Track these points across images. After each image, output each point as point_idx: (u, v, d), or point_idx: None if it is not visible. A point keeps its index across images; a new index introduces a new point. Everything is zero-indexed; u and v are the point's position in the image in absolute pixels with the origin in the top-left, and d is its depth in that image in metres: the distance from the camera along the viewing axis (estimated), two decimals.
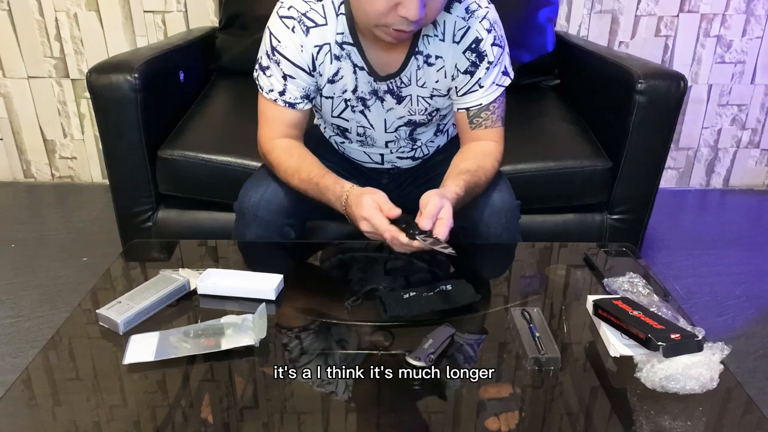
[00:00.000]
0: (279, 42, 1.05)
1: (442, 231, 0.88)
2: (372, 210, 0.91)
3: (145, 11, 2.23)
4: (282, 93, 1.09)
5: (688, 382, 0.73)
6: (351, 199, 0.97)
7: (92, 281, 1.00)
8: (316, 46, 1.06)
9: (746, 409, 0.74)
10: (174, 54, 1.68)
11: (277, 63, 1.07)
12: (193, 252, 1.11)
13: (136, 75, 1.40)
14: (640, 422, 0.71)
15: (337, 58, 1.07)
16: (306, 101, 1.11)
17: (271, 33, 1.06)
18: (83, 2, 2.22)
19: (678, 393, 0.74)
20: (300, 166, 1.07)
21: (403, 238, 0.88)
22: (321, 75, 1.09)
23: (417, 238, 0.87)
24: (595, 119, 1.67)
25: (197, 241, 1.16)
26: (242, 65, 1.97)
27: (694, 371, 0.74)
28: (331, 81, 1.10)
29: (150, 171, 1.49)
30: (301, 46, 1.05)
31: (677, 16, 2.28)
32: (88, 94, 1.46)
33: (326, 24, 1.05)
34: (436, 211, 0.89)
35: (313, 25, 1.05)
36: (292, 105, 1.10)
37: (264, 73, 1.09)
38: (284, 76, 1.07)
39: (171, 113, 1.64)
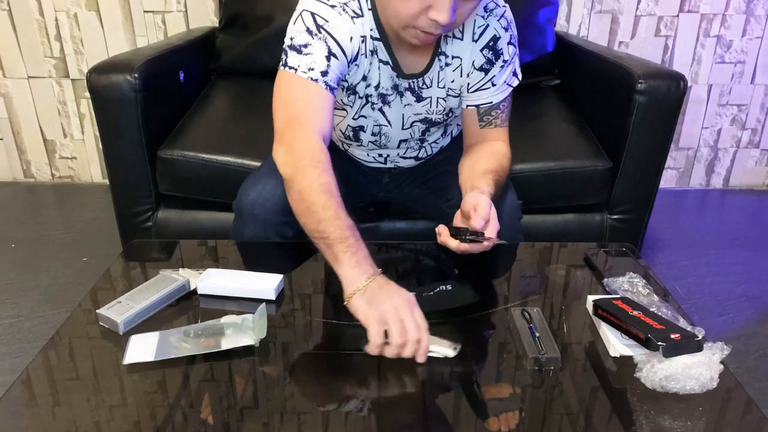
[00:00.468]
0: (327, 21, 0.97)
1: (492, 231, 0.92)
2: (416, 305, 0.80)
3: (145, 11, 2.24)
4: (325, 73, 0.97)
5: (688, 382, 0.73)
6: (390, 281, 0.83)
7: (92, 281, 1.00)
8: (361, 37, 1.02)
9: (746, 409, 0.74)
10: (174, 54, 1.68)
11: (324, 40, 0.97)
12: (193, 252, 1.11)
13: (136, 75, 1.40)
14: (640, 422, 0.71)
15: (372, 52, 1.05)
16: (336, 91, 1.02)
17: (313, 14, 0.98)
18: (83, 2, 2.22)
19: (678, 393, 0.74)
20: (342, 200, 0.89)
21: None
22: (358, 67, 1.05)
23: (468, 238, 0.91)
24: (595, 119, 1.67)
25: (197, 241, 1.16)
26: (242, 65, 1.98)
27: (694, 371, 0.74)
28: (364, 78, 1.07)
29: (150, 171, 1.49)
30: (351, 33, 1.00)
31: (677, 16, 2.28)
32: (88, 94, 1.46)
33: (363, 16, 1.01)
34: (488, 211, 0.92)
35: (355, 15, 1.01)
36: (332, 89, 0.99)
37: (300, 52, 0.97)
38: (329, 55, 0.98)
39: (171, 113, 1.64)
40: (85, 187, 2.49)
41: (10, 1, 2.21)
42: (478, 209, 0.92)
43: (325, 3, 0.99)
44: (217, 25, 2.08)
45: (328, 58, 0.98)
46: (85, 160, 2.48)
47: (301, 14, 0.99)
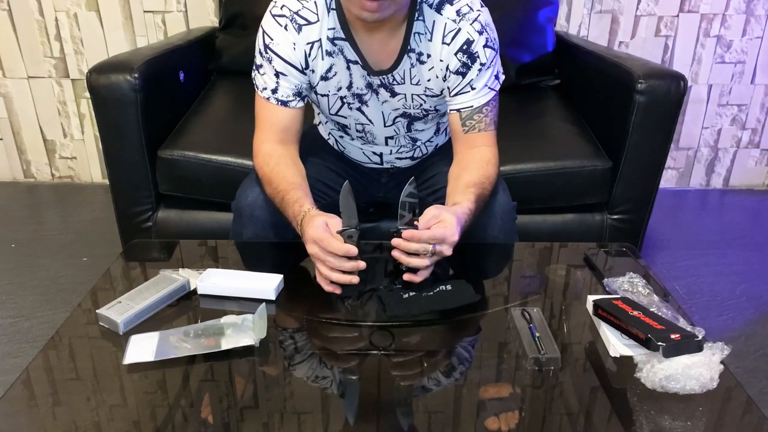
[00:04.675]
0: (272, 39, 1.07)
1: (439, 232, 0.88)
2: (322, 232, 0.90)
3: (145, 11, 2.23)
4: (275, 91, 1.10)
5: (688, 382, 0.73)
6: (306, 220, 0.96)
7: (92, 281, 1.00)
8: (308, 43, 1.07)
9: (746, 409, 0.74)
10: (174, 54, 1.68)
11: (270, 61, 1.08)
12: (193, 252, 1.11)
13: (136, 75, 1.40)
14: (640, 422, 0.71)
15: (329, 54, 1.08)
16: (298, 99, 1.12)
17: (264, 32, 1.07)
18: (83, 2, 2.22)
19: (678, 393, 0.74)
20: (272, 176, 1.07)
21: (350, 248, 0.89)
22: (314, 72, 1.10)
23: (400, 230, 0.88)
24: (595, 119, 1.67)
25: (197, 241, 1.16)
26: (242, 65, 1.96)
27: (694, 371, 0.74)
28: (325, 78, 1.11)
29: (150, 171, 1.49)
30: (294, 44, 1.06)
31: (677, 16, 2.28)
32: (88, 94, 1.46)
33: (318, 21, 1.05)
34: (429, 218, 0.89)
35: (305, 23, 1.05)
36: (284, 103, 1.11)
37: (258, 72, 1.11)
38: (277, 74, 1.09)
39: (171, 113, 1.65)
40: (85, 187, 2.49)
41: (10, 1, 2.21)
42: (422, 217, 0.90)
43: (276, 16, 1.06)
44: (217, 25, 2.08)
45: (277, 76, 1.09)
46: (85, 160, 2.48)
47: (259, 30, 1.09)
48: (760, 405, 0.74)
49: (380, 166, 1.30)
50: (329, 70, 1.10)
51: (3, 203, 2.33)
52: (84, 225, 2.15)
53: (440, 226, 0.89)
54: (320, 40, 1.07)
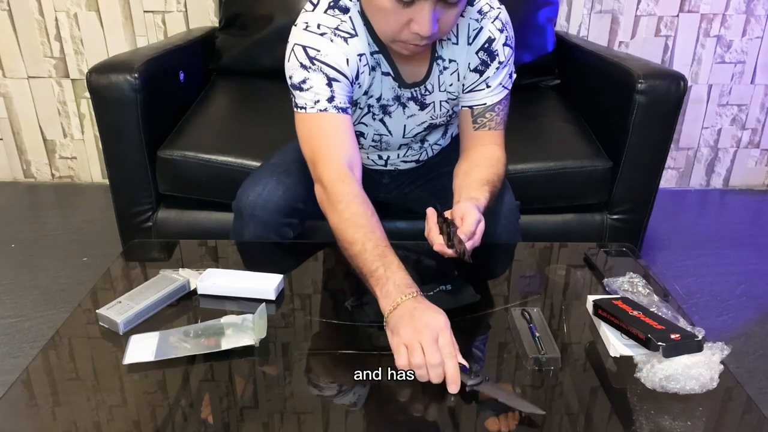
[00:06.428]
0: (318, 51, 0.98)
1: (470, 246, 0.89)
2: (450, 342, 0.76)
3: (145, 11, 2.24)
4: (331, 99, 0.98)
5: (688, 382, 0.73)
6: (423, 303, 0.81)
7: (92, 281, 1.00)
8: (358, 55, 1.02)
9: (746, 409, 0.74)
10: (174, 54, 1.68)
11: (319, 70, 0.98)
12: (193, 252, 1.11)
13: (136, 75, 1.40)
14: (640, 422, 0.71)
15: (373, 68, 1.05)
16: (351, 108, 1.03)
17: (304, 47, 0.98)
18: (83, 2, 2.22)
19: (678, 393, 0.74)
20: (374, 225, 0.89)
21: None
22: (360, 86, 1.06)
23: (455, 244, 0.88)
24: (595, 119, 1.67)
25: (197, 241, 1.16)
26: (242, 65, 1.98)
27: (694, 371, 0.74)
28: (366, 93, 1.07)
29: (150, 171, 1.49)
30: (346, 56, 0.99)
31: (677, 16, 2.28)
32: (88, 94, 1.46)
33: (357, 35, 1.01)
34: (473, 230, 0.89)
35: (349, 35, 1.00)
36: (344, 110, 1.00)
37: (302, 90, 0.99)
38: (329, 82, 0.99)
39: (171, 113, 1.65)
40: (85, 187, 2.49)
41: (10, 1, 2.21)
42: (464, 225, 0.89)
43: (314, 32, 0.99)
44: (217, 25, 2.08)
45: (330, 85, 0.99)
46: (85, 160, 2.48)
47: (293, 50, 0.99)
48: (760, 405, 0.74)
49: (383, 168, 1.30)
50: (371, 85, 1.07)
51: (3, 203, 2.33)
52: (84, 225, 2.15)
53: (474, 241, 0.90)
54: (365, 54, 1.02)
